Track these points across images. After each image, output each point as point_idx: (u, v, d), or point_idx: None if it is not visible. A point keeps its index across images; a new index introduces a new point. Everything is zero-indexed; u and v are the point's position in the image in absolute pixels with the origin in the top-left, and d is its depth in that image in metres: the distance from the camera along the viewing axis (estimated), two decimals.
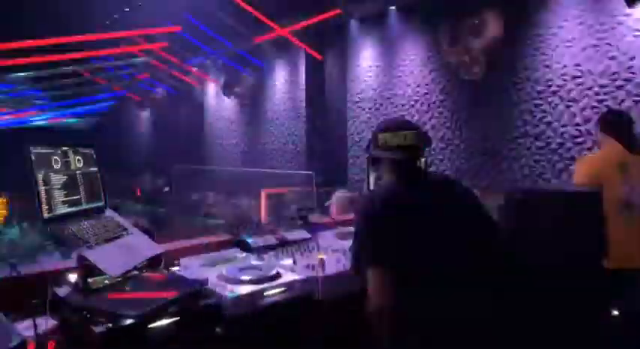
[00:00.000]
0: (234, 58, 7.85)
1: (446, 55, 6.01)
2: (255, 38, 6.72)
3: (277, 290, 1.68)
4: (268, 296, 1.66)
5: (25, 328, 1.38)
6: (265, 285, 1.67)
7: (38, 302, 1.51)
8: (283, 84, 7.27)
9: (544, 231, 2.34)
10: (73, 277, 1.64)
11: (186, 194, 7.60)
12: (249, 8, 5.96)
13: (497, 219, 2.59)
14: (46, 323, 1.41)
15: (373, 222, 1.70)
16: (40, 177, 1.55)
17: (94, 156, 1.89)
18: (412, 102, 6.40)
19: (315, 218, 2.72)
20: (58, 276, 1.64)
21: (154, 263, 1.82)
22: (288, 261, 1.98)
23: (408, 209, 1.70)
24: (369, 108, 6.70)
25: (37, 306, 1.53)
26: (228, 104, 8.49)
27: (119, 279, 1.58)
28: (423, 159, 1.90)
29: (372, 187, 2.03)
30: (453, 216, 1.73)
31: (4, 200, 8.39)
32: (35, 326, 1.35)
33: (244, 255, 2.08)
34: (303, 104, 6.69)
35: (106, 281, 1.58)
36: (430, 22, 6.05)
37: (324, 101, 6.58)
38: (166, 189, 9.03)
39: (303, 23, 6.25)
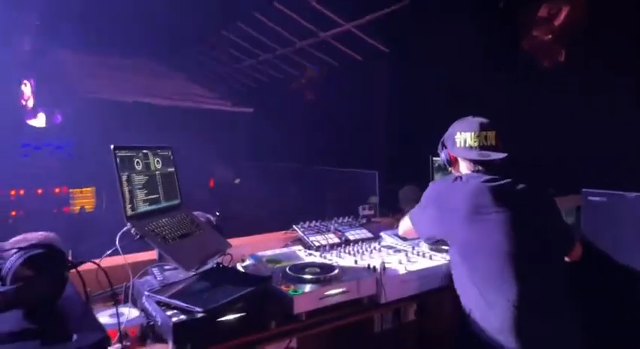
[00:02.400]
0: (300, 53, 7.94)
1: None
2: (321, 33, 6.76)
3: (338, 290, 1.73)
4: (330, 295, 1.71)
5: (109, 315, 1.54)
6: (327, 285, 1.72)
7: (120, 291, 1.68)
8: (349, 80, 7.23)
9: (624, 235, 2.20)
10: (152, 269, 1.79)
11: (254, 189, 7.84)
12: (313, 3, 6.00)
13: (575, 221, 2.45)
14: (129, 311, 1.55)
15: (436, 201, 1.79)
16: (124, 177, 1.70)
17: (172, 157, 2.04)
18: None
19: (377, 217, 2.73)
20: (140, 268, 1.80)
21: (223, 258, 1.94)
22: (350, 260, 2.02)
23: (476, 207, 1.65)
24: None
25: (120, 295, 1.70)
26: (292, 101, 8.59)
27: (192, 273, 1.71)
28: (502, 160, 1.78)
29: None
30: (522, 227, 1.65)
31: (92, 189, 9.21)
32: (118, 314, 1.49)
33: (307, 252, 2.15)
34: (373, 103, 6.63)
35: (181, 276, 1.72)
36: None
37: (393, 99, 6.48)
38: (237, 180, 9.36)
39: (372, 16, 6.19)
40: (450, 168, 1.96)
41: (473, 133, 1.78)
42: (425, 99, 5.41)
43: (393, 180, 3.31)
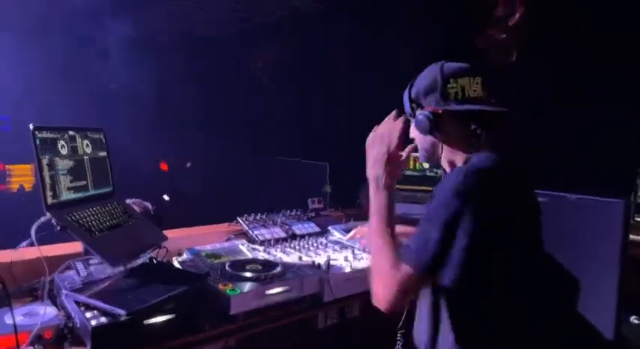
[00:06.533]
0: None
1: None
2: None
3: (280, 289, 1.64)
4: (271, 294, 1.62)
5: (23, 315, 1.38)
6: (268, 284, 1.63)
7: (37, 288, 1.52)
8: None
9: (565, 237, 2.24)
10: (75, 263, 1.64)
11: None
12: None
13: None
14: (46, 310, 1.40)
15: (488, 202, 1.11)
16: (44, 161, 1.53)
17: (104, 140, 1.87)
18: None
19: (327, 211, 2.67)
20: (64, 261, 1.64)
21: (158, 252, 1.81)
22: (295, 257, 1.94)
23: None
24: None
25: (37, 291, 1.54)
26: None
27: (120, 269, 1.57)
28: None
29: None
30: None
31: (31, 166, 8.63)
32: (33, 314, 1.35)
33: (251, 247, 2.05)
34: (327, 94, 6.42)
35: (108, 271, 1.57)
36: None
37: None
38: (189, 164, 9.06)
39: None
40: (429, 136, 1.30)
41: (473, 79, 1.24)
42: (376, 92, 5.37)
43: (345, 172, 3.24)
